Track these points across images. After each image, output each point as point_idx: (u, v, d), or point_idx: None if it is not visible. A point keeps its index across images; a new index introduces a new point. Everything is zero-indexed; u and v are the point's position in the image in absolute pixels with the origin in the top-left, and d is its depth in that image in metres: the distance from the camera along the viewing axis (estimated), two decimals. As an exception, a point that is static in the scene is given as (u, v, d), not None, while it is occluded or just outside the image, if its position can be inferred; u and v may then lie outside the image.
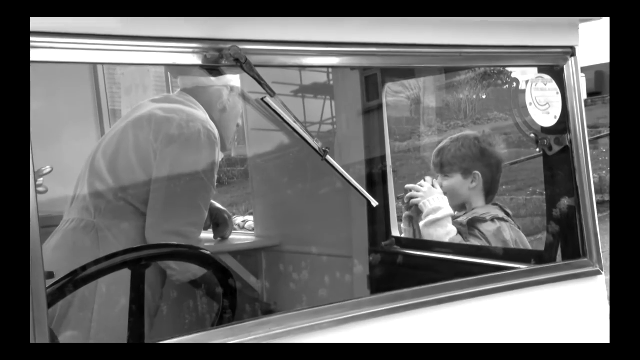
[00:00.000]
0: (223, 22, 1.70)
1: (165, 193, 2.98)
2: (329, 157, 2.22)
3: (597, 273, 2.32)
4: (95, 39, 1.57)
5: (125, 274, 2.81)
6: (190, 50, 1.68)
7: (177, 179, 2.99)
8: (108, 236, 2.96)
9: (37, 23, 1.46)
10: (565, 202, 2.35)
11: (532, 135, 2.34)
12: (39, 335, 1.44)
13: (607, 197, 12.57)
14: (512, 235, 2.99)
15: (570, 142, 2.31)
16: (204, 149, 3.00)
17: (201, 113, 3.13)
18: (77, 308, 2.87)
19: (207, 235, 3.44)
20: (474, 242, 2.96)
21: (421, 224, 3.04)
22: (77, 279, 1.98)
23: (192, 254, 2.36)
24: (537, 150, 2.35)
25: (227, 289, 2.22)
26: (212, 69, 1.89)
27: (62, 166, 3.70)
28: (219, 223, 3.50)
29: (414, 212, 3.09)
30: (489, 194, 3.19)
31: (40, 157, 3.65)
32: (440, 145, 3.24)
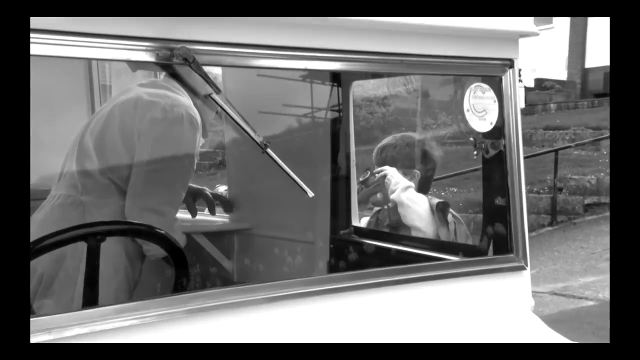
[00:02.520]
0: (174, 23, 1.89)
1: (146, 173, 3.14)
2: (269, 150, 2.42)
3: (522, 268, 2.52)
4: (55, 35, 1.76)
5: (108, 250, 3.03)
6: (144, 48, 1.88)
7: (158, 160, 3.13)
8: (94, 212, 3.12)
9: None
10: (497, 201, 2.54)
11: (471, 139, 2.52)
12: None
13: (603, 199, 12.72)
14: None
15: (505, 147, 2.50)
16: (185, 132, 3.13)
17: (185, 99, 3.30)
18: (61, 281, 3.09)
19: (184, 215, 3.65)
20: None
21: (396, 192, 3.29)
22: (34, 250, 2.18)
23: (146, 232, 2.56)
24: (475, 153, 2.53)
25: (179, 265, 2.41)
26: (164, 66, 2.08)
27: (52, 140, 3.92)
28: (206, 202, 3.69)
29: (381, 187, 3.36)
30: (423, 190, 3.46)
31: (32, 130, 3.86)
32: (383, 142, 3.48)
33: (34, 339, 1.71)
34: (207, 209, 3.65)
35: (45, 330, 1.73)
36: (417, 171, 3.41)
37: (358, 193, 3.42)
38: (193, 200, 3.63)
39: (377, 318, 2.29)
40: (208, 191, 3.69)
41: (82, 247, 2.57)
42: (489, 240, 2.58)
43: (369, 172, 3.37)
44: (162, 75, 3.48)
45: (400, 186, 3.32)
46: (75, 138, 3.31)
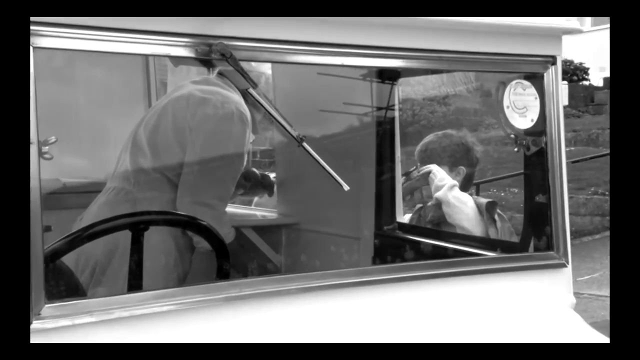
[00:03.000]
0: (213, 20, 1.96)
1: (197, 168, 3.24)
2: (305, 145, 2.47)
3: (563, 265, 2.51)
4: (100, 31, 1.85)
5: (158, 242, 3.13)
6: (184, 44, 1.95)
7: (209, 155, 3.24)
8: (145, 205, 3.22)
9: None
10: (538, 198, 2.54)
11: (512, 135, 2.52)
12: (35, 297, 1.71)
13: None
14: None
15: (546, 144, 2.49)
16: (235, 128, 3.22)
17: (236, 95, 3.38)
18: (113, 270, 3.20)
19: (234, 210, 3.74)
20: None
21: (442, 191, 3.29)
22: (80, 238, 2.29)
23: (187, 222, 2.64)
24: (516, 150, 2.54)
25: (221, 255, 2.49)
26: (203, 61, 2.15)
27: (114, 136, 4.07)
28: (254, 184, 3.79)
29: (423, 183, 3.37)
30: (466, 186, 3.47)
31: (91, 126, 4.02)
32: (426, 140, 3.49)
33: (78, 320, 1.80)
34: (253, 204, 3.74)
35: (87, 312, 1.82)
36: (463, 167, 3.42)
37: (402, 185, 3.45)
38: (245, 180, 3.70)
39: (415, 312, 2.31)
40: (256, 171, 3.77)
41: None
42: (530, 237, 2.58)
43: (415, 167, 3.40)
44: (215, 72, 3.57)
45: (447, 184, 3.33)
46: (130, 133, 3.43)
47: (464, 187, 3.50)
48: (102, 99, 4.19)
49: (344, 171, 3.22)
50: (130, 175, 3.33)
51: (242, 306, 2.01)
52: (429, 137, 3.62)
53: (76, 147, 4.14)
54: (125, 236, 2.49)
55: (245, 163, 3.46)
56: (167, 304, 1.92)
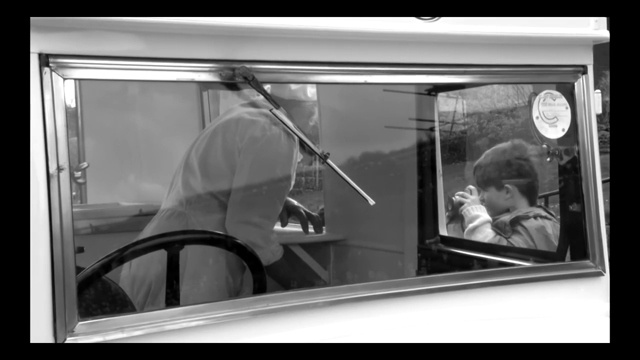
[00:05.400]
0: (236, 45, 2.05)
1: (245, 188, 3.32)
2: (329, 161, 2.52)
3: (599, 274, 2.49)
4: (127, 60, 1.95)
5: (210, 261, 3.23)
6: (208, 69, 2.04)
7: (257, 176, 3.32)
8: (196, 225, 3.31)
9: (80, 47, 1.86)
10: (573, 207, 2.53)
11: (544, 145, 2.52)
12: (69, 314, 1.81)
13: None
14: (554, 231, 3.18)
15: (578, 153, 2.48)
16: (283, 149, 3.29)
17: (284, 117, 3.47)
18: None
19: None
20: (516, 238, 3.17)
21: (465, 231, 3.31)
22: (118, 258, 2.39)
23: (222, 241, 2.71)
24: (548, 159, 2.53)
25: (256, 270, 2.55)
26: (228, 85, 2.23)
27: (164, 162, 4.20)
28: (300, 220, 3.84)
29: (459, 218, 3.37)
30: (530, 197, 3.40)
31: (149, 153, 4.15)
32: (477, 161, 3.47)
33: (109, 336, 1.88)
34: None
35: (118, 329, 1.90)
36: (509, 186, 3.38)
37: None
38: (287, 215, 3.77)
39: (453, 321, 2.34)
40: (303, 209, 3.83)
41: (184, 260, 2.78)
42: (567, 247, 2.57)
43: (451, 204, 3.41)
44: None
45: (470, 227, 3.34)
46: (182, 157, 3.54)
47: (528, 198, 3.44)
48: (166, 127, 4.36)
49: (387, 187, 3.26)
50: (182, 197, 3.42)
51: (268, 320, 2.06)
52: (480, 158, 3.58)
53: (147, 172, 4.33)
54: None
55: (293, 182, 3.52)
56: (196, 319, 1.99)
